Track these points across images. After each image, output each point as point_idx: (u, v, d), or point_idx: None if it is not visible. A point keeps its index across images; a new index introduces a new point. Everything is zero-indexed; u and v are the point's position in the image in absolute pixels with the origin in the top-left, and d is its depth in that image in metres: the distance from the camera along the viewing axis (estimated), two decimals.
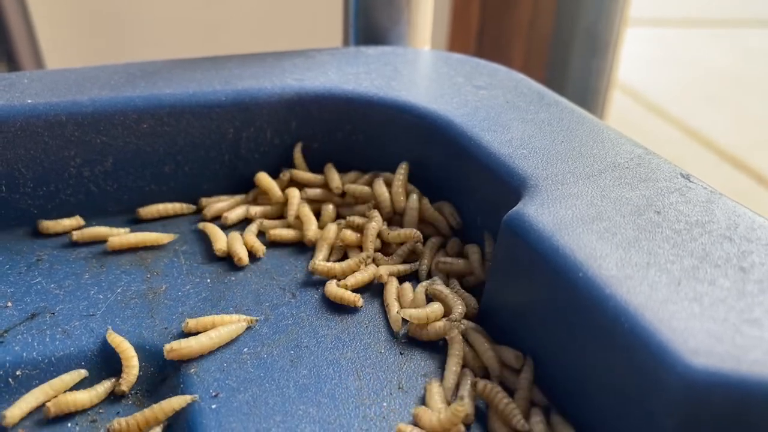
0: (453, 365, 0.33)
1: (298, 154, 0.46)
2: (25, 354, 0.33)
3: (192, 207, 0.45)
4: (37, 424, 0.30)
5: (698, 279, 0.27)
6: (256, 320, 0.36)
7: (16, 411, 0.30)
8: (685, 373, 0.23)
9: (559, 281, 0.29)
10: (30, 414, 0.31)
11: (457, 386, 0.32)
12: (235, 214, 0.44)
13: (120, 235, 0.41)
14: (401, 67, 0.50)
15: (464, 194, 0.42)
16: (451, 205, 0.43)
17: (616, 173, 0.36)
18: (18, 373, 0.32)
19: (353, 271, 0.39)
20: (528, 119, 0.42)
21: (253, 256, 0.41)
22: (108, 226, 0.43)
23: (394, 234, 0.41)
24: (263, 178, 0.45)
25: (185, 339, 0.33)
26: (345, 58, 0.52)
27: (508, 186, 0.36)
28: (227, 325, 0.34)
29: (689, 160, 1.53)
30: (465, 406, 0.29)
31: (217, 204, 0.45)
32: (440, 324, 0.34)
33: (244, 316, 0.36)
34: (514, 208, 0.33)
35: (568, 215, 0.32)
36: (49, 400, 0.31)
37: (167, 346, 0.33)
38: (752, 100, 1.89)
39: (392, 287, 0.38)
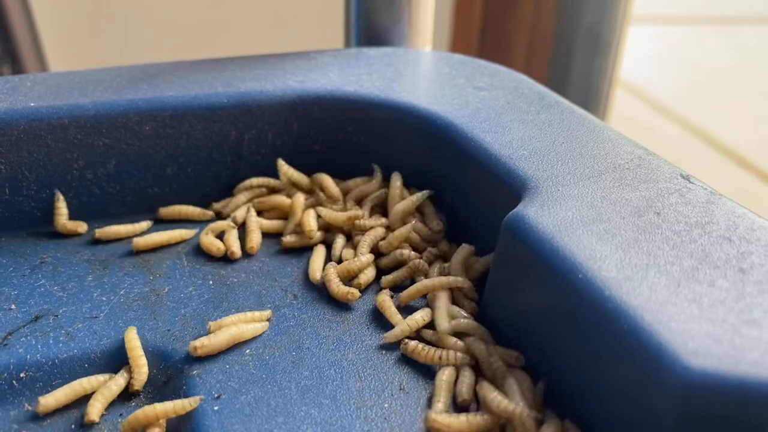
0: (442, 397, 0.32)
1: (285, 168, 0.45)
2: (28, 356, 0.33)
3: (209, 213, 0.45)
4: (40, 425, 0.31)
5: (697, 280, 0.28)
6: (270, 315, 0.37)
7: (51, 400, 0.31)
8: (684, 375, 0.23)
9: (558, 282, 0.29)
10: (38, 414, 0.31)
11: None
12: (240, 214, 0.44)
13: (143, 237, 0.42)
14: (402, 68, 0.50)
15: (465, 195, 0.42)
16: (437, 217, 0.43)
17: (616, 174, 0.36)
18: (22, 375, 0.33)
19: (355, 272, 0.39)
20: (528, 120, 0.42)
21: (255, 256, 0.42)
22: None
23: (385, 243, 0.41)
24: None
25: (213, 334, 0.34)
26: (346, 59, 0.52)
27: (508, 187, 0.36)
28: (250, 323, 0.35)
29: (693, 159, 1.53)
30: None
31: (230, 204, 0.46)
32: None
33: (266, 313, 0.36)
34: (514, 210, 0.33)
35: (568, 216, 0.32)
36: (79, 396, 0.32)
37: (193, 344, 0.33)
38: (756, 98, 1.89)
39: (387, 299, 0.37)
